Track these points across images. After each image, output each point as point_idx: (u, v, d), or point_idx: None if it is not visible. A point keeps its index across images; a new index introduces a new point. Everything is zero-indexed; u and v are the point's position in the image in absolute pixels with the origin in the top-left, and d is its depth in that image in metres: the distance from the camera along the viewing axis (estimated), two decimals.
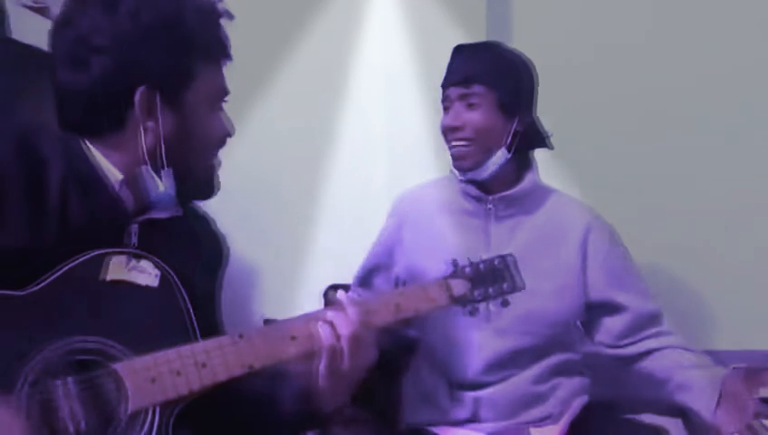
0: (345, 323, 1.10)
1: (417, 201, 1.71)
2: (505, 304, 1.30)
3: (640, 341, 1.62)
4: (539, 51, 1.69)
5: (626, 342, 1.63)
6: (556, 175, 1.74)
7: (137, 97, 1.07)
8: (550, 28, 2.16)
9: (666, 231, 2.09)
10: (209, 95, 1.14)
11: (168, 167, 1.10)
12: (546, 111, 1.69)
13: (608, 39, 2.14)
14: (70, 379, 0.96)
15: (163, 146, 1.09)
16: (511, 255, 1.32)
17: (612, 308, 1.63)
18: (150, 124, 1.09)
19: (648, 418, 1.68)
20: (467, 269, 1.28)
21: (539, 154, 1.69)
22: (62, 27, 1.09)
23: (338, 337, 1.09)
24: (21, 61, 1.51)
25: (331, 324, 1.10)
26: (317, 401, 1.13)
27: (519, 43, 1.90)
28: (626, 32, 2.14)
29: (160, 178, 1.10)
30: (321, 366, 1.10)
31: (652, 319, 1.63)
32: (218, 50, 1.15)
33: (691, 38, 2.11)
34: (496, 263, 1.30)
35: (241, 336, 1.06)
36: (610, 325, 1.64)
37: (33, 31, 1.63)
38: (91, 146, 1.10)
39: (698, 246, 2.09)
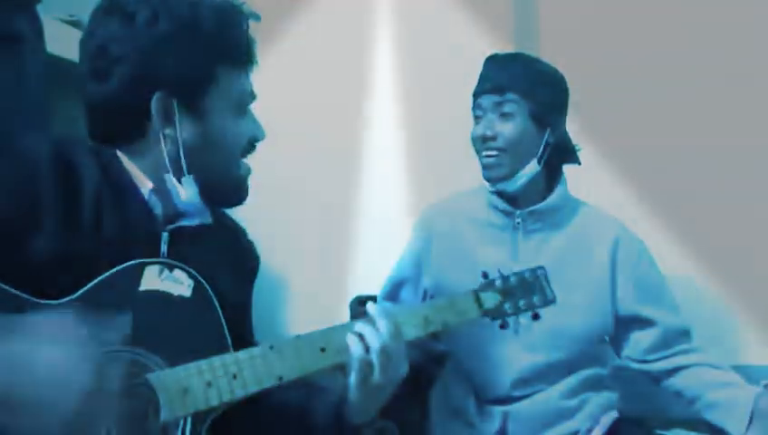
0: (375, 335, 1.10)
1: (444, 214, 1.69)
2: (536, 317, 1.29)
3: (668, 357, 1.60)
4: (565, 64, 1.69)
5: (654, 357, 1.61)
6: (584, 184, 1.72)
7: (153, 104, 1.07)
8: (576, 42, 2.16)
9: (696, 243, 2.07)
10: (232, 100, 1.12)
11: (189, 173, 1.10)
12: (574, 123, 1.69)
13: (635, 49, 2.14)
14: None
15: (182, 152, 1.09)
16: (542, 268, 1.31)
17: (641, 323, 1.61)
18: (169, 131, 1.09)
19: (679, 434, 1.66)
20: (498, 282, 1.27)
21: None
22: (85, 40, 1.10)
23: (367, 349, 1.09)
24: (56, 74, 1.54)
25: (361, 337, 1.10)
26: (347, 413, 1.13)
27: (545, 55, 1.90)
28: (653, 41, 2.13)
29: (182, 184, 1.10)
30: (351, 379, 1.10)
31: (681, 335, 1.61)
32: (240, 53, 1.13)
33: (719, 46, 2.09)
34: (527, 276, 1.29)
35: (272, 348, 1.06)
36: (638, 340, 1.61)
37: (67, 44, 1.65)
38: (122, 155, 1.11)
39: (730, 258, 2.06)
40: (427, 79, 2.29)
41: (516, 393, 1.57)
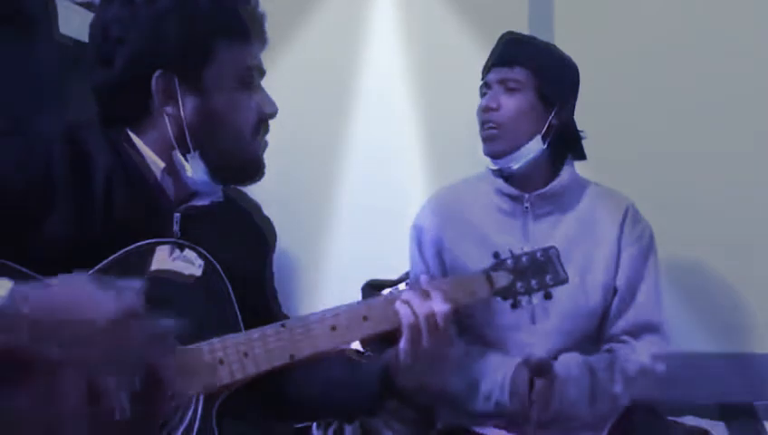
0: (423, 302, 1.11)
1: (453, 201, 1.67)
2: (548, 296, 1.27)
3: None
4: (580, 55, 1.67)
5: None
6: (594, 173, 1.71)
7: (153, 82, 1.07)
8: (591, 32, 2.14)
9: (706, 231, 2.06)
10: (234, 75, 1.11)
11: (195, 150, 1.10)
12: (587, 111, 1.67)
13: (650, 40, 2.12)
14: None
15: (186, 130, 1.09)
16: (554, 247, 1.29)
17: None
18: (170, 109, 1.08)
19: (690, 420, 1.65)
20: (509, 261, 1.26)
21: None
22: (92, 25, 1.11)
23: (416, 316, 1.11)
24: (69, 56, 1.54)
25: (409, 304, 1.11)
26: (396, 378, 1.15)
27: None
28: (668, 31, 2.12)
29: (188, 161, 1.10)
30: (402, 344, 1.11)
31: (644, 328, 1.58)
32: (239, 27, 1.12)
33: (734, 37, 2.08)
34: (539, 255, 1.28)
35: (284, 326, 1.07)
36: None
37: (80, 26, 1.66)
38: (134, 136, 1.11)
39: (739, 248, 2.06)
40: (435, 69, 2.29)
41: None
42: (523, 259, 1.27)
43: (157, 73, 1.07)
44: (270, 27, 1.17)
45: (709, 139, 2.10)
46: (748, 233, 2.06)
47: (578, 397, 1.48)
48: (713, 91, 2.10)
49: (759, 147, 2.07)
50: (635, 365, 1.54)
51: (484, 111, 1.57)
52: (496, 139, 1.56)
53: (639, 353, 1.56)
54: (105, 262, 1.01)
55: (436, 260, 1.64)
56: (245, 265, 1.15)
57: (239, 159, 1.14)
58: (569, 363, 1.51)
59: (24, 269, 0.96)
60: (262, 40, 1.16)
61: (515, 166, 1.56)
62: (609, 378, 1.52)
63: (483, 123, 1.58)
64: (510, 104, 1.55)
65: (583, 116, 1.66)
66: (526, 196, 1.58)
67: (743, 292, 2.08)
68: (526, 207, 1.58)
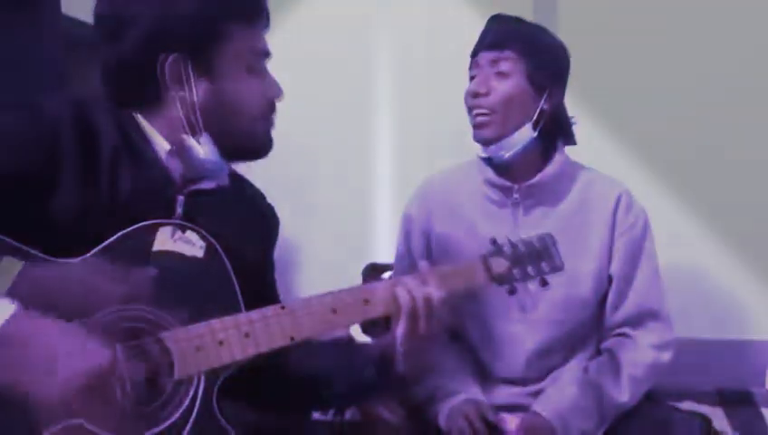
0: (420, 286, 1.13)
1: (442, 190, 1.63)
2: (544, 284, 1.27)
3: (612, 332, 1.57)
4: (584, 38, 1.66)
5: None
6: (597, 162, 1.70)
7: (166, 67, 1.07)
8: (595, 19, 2.14)
9: (707, 218, 2.07)
10: (245, 58, 1.11)
11: (205, 132, 1.10)
12: (593, 100, 1.66)
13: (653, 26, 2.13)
14: (118, 345, 0.98)
15: (198, 113, 1.09)
16: (550, 235, 1.29)
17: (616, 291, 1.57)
18: (183, 93, 1.09)
19: (689, 406, 1.65)
20: (506, 248, 1.26)
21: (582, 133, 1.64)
22: (99, 2, 1.10)
23: (414, 300, 1.12)
24: (70, 34, 1.54)
25: (407, 289, 1.13)
26: (396, 365, 1.16)
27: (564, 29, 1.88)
28: (671, 17, 2.12)
29: (200, 144, 1.10)
30: (400, 329, 1.12)
31: (646, 316, 1.56)
32: (251, 10, 1.12)
33: (737, 28, 2.08)
34: (536, 243, 1.28)
35: (284, 308, 1.08)
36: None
37: (82, 6, 1.65)
38: (140, 117, 1.11)
39: (736, 236, 2.07)
40: (435, 56, 2.29)
41: (531, 374, 1.55)
42: (520, 246, 1.27)
43: (170, 58, 1.07)
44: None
45: (709, 127, 2.10)
46: (746, 220, 2.06)
47: (585, 422, 1.46)
48: (715, 81, 2.10)
49: (759, 135, 2.07)
50: (642, 369, 1.52)
51: (474, 96, 1.52)
52: (487, 125, 1.52)
53: (643, 349, 1.53)
54: (107, 242, 1.02)
55: (424, 250, 1.62)
56: (248, 249, 1.16)
57: (249, 140, 1.14)
58: (569, 385, 1.48)
59: (23, 247, 0.97)
60: (267, 22, 1.16)
61: (506, 155, 1.52)
62: (615, 387, 1.49)
63: (471, 109, 1.54)
64: (500, 89, 1.50)
65: (589, 106, 1.64)
66: (515, 187, 1.55)
67: (740, 278, 2.08)
68: (516, 198, 1.55)
